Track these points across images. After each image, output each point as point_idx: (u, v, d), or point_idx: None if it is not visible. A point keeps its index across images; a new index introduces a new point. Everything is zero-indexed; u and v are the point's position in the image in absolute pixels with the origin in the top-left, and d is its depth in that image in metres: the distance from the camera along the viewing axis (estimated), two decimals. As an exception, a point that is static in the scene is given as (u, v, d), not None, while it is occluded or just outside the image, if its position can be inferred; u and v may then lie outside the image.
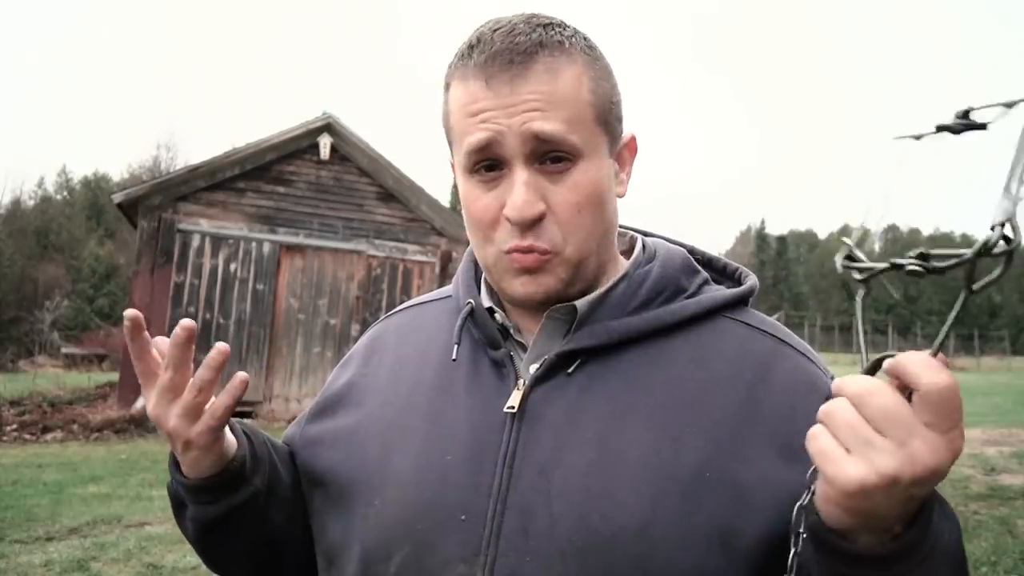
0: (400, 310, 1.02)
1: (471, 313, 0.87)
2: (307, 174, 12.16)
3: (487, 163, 0.77)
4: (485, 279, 0.90)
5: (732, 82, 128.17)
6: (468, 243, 0.90)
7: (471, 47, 0.77)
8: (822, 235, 74.09)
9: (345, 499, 0.84)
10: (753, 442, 0.74)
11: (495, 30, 0.77)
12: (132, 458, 8.55)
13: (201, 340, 11.34)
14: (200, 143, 79.03)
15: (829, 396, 0.76)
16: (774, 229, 71.56)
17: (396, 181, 12.46)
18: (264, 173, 11.92)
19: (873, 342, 43.46)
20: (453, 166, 0.85)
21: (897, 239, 70.00)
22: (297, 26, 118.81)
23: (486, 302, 0.88)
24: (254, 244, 11.78)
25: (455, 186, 0.88)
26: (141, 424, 10.50)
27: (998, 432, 10.13)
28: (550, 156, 0.76)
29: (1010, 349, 44.88)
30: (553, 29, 0.78)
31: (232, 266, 11.67)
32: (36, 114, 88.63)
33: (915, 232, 71.29)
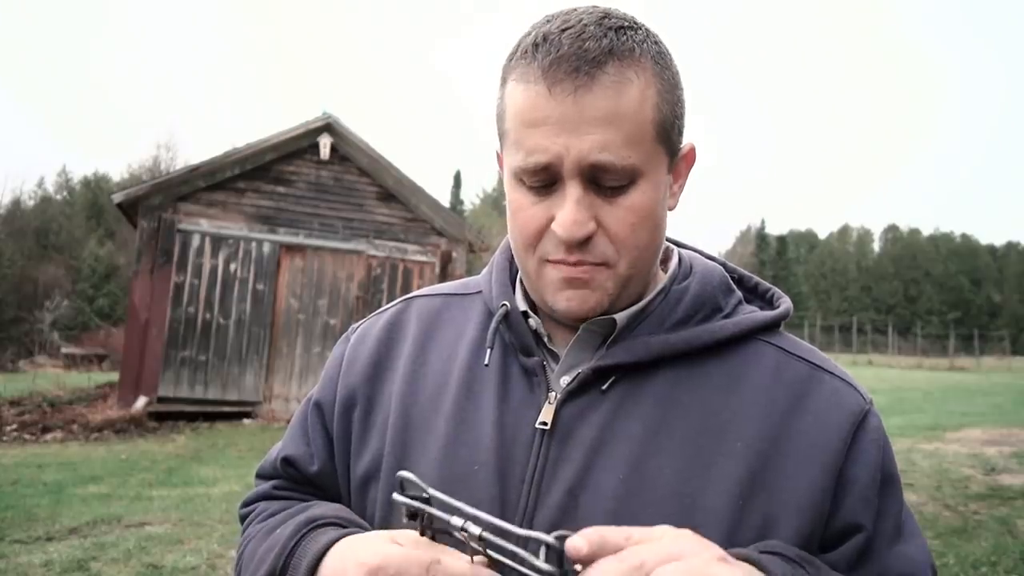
0: (422, 296, 0.96)
1: (505, 316, 0.84)
2: (307, 174, 12.16)
3: (540, 180, 0.74)
4: (521, 283, 0.86)
5: (732, 82, 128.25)
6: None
7: (536, 45, 0.72)
8: (822, 235, 74.19)
9: (370, 482, 0.85)
10: (783, 472, 0.74)
11: (564, 29, 0.71)
12: (132, 458, 8.55)
13: (201, 340, 11.43)
14: (200, 143, 79.20)
15: (863, 419, 0.77)
16: (774, 229, 71.72)
17: (396, 181, 12.46)
18: (264, 173, 11.92)
19: (873, 342, 43.45)
20: (500, 159, 0.82)
21: (897, 239, 70.01)
22: (297, 26, 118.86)
23: (521, 305, 0.84)
24: (254, 244, 11.78)
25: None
26: (141, 424, 10.51)
27: (998, 432, 10.12)
28: (605, 179, 0.73)
29: (1010, 349, 44.73)
30: (625, 34, 0.72)
31: (232, 266, 11.67)
32: (36, 114, 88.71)
33: (915, 232, 71.26)
